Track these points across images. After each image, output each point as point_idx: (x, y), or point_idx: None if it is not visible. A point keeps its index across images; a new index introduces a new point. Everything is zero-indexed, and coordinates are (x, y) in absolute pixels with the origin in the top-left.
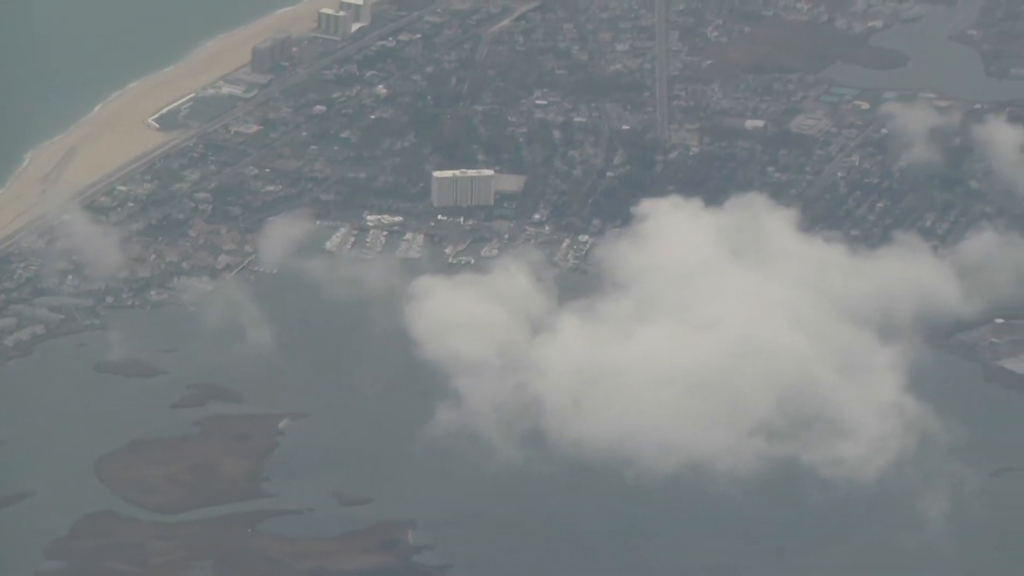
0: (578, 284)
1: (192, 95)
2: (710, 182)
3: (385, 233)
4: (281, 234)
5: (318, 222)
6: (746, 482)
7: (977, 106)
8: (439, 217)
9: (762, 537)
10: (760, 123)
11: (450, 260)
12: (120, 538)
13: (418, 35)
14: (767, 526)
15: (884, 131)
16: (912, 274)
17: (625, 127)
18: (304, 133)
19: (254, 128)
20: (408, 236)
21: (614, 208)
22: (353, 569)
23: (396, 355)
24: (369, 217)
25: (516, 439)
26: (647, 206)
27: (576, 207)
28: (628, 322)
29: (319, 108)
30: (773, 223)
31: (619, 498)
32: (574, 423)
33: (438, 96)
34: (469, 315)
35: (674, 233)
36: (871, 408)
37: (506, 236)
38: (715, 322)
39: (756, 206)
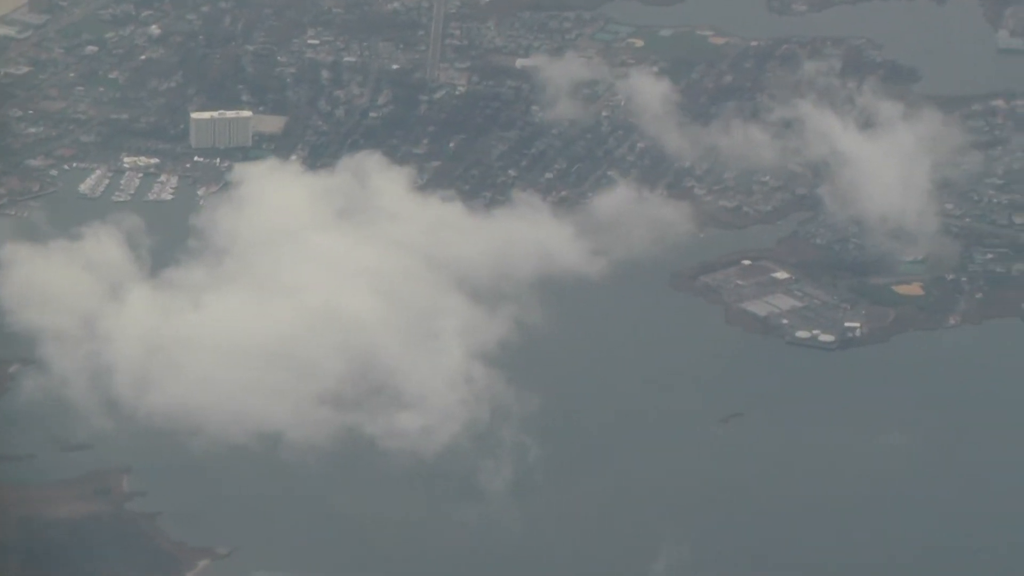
0: (173, 251)
1: None
2: (472, 122)
3: (140, 175)
4: None
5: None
6: (318, 452)
7: (754, 43)
8: (196, 159)
9: (334, 507)
10: (531, 61)
11: (201, 202)
12: None
13: None
14: (338, 496)
15: (655, 69)
16: (530, 234)
17: (395, 66)
18: (72, 74)
19: (24, 69)
20: (162, 178)
21: (374, 149)
22: (66, 516)
23: None
24: (126, 159)
25: (96, 408)
26: (244, 169)
27: (335, 148)
28: (208, 289)
29: (91, 48)
30: (385, 183)
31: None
32: (145, 392)
33: (211, 36)
34: (54, 284)
35: (276, 197)
36: (444, 378)
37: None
38: (295, 289)
39: (369, 166)
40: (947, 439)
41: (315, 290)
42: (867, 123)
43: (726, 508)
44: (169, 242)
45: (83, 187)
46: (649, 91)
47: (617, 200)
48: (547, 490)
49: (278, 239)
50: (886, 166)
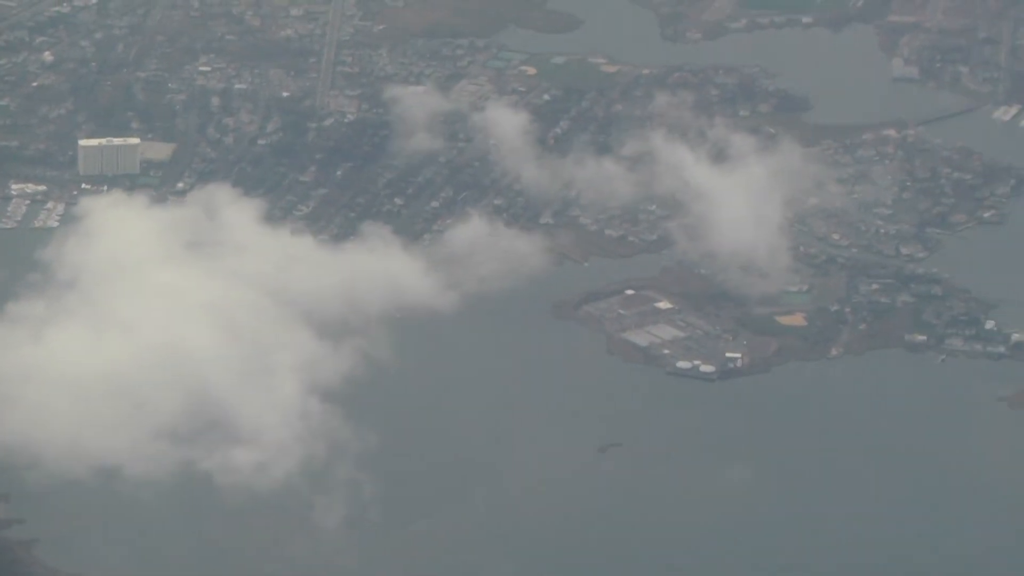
0: (18, 284)
1: None
2: (360, 150)
3: (27, 202)
4: None
5: None
6: (157, 486)
7: (646, 71)
8: (83, 186)
9: (173, 543)
10: (421, 89)
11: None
12: None
13: (93, 0)
14: (177, 532)
15: (546, 97)
16: (379, 268)
17: (285, 94)
18: None
19: None
20: (49, 205)
21: (261, 176)
22: None
23: None
24: (14, 186)
25: None
26: (89, 203)
27: (222, 175)
28: (48, 323)
29: None
30: (235, 216)
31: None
32: None
33: (103, 63)
34: None
35: (123, 230)
36: (280, 413)
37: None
38: (135, 323)
39: (219, 198)
40: (802, 471)
41: (155, 325)
42: (721, 156)
43: (570, 544)
44: (22, 273)
45: None
46: (510, 121)
47: (475, 232)
48: (382, 527)
49: (122, 272)
50: (740, 199)
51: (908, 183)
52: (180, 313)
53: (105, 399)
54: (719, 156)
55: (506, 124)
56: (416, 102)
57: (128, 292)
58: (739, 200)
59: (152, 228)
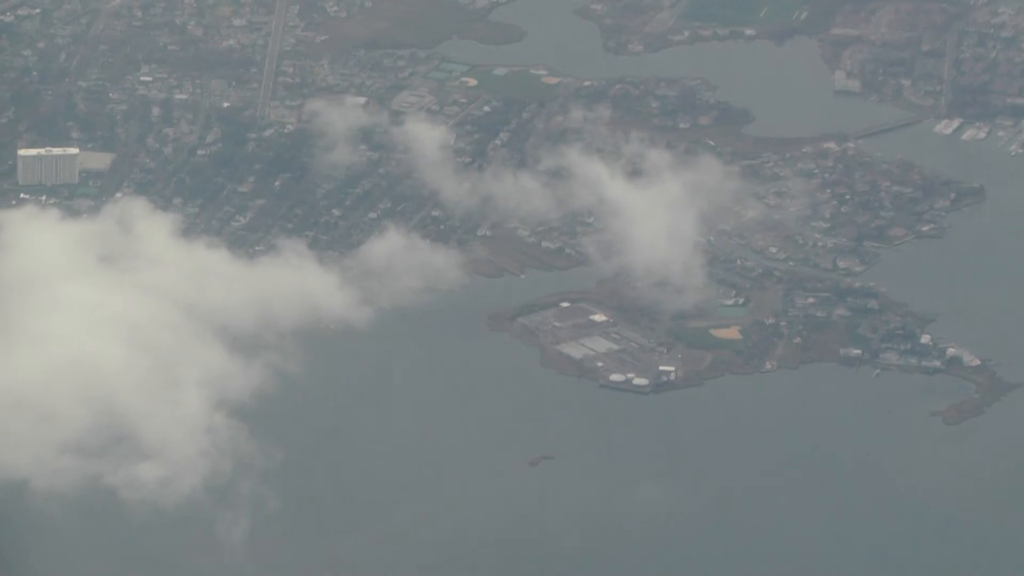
0: None
1: None
2: (299, 160)
3: None
4: None
5: None
6: (63, 500)
7: (587, 83)
8: (22, 196)
9: (81, 557)
10: (362, 100)
11: None
12: None
13: (37, 9)
14: (85, 547)
15: (486, 108)
16: (293, 282)
17: (226, 104)
18: None
19: None
20: None
21: (199, 187)
22: None
23: None
24: None
25: None
26: (3, 216)
27: (160, 185)
28: None
29: None
30: (149, 229)
31: None
32: None
33: (45, 72)
34: None
35: (33, 243)
36: (186, 429)
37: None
38: (43, 337)
39: (134, 211)
40: (734, 485)
41: (64, 338)
42: (653, 170)
43: (495, 561)
44: None
45: None
46: (424, 137)
47: (403, 244)
48: (288, 544)
49: (33, 286)
50: (668, 214)
51: (847, 196)
52: (90, 327)
53: (12, 412)
54: (650, 170)
55: (429, 137)
56: (348, 114)
57: (38, 305)
58: (668, 215)
59: (66, 241)
